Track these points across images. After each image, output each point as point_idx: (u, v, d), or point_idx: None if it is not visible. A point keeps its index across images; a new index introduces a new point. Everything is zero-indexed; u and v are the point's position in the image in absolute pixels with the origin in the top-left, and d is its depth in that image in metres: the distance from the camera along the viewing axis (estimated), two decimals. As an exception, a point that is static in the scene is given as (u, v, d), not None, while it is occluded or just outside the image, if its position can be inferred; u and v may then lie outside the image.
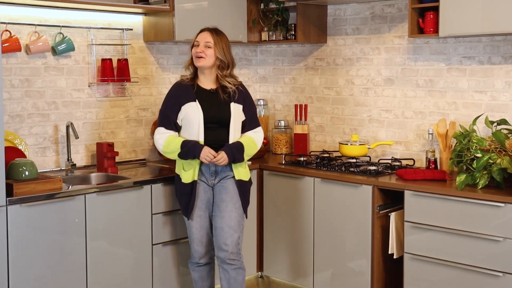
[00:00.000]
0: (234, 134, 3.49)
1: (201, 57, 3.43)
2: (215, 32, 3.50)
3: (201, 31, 3.52)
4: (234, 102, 3.50)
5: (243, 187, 3.52)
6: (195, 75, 3.54)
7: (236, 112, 3.51)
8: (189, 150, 3.39)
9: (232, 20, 4.36)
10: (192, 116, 3.43)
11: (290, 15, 4.53)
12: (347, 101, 4.47)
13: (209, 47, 3.45)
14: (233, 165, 3.48)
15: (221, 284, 3.54)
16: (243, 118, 3.55)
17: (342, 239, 3.84)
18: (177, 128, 3.49)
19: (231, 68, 3.53)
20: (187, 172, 3.46)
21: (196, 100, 3.45)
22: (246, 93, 3.60)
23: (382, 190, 3.69)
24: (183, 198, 3.49)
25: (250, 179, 3.59)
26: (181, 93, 3.49)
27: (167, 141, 3.42)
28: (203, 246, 3.56)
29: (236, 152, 3.44)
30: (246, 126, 3.57)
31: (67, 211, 3.34)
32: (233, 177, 3.49)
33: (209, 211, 3.53)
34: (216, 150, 3.42)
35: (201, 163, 3.45)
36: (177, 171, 3.54)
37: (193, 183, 3.45)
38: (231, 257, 3.47)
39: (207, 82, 3.53)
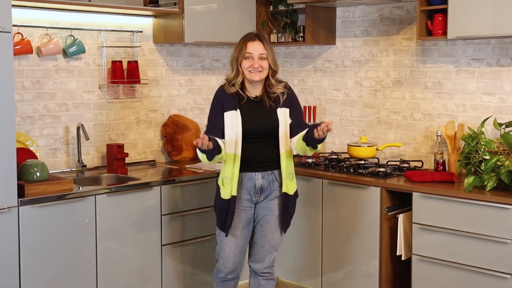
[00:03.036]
0: (286, 141, 3.20)
1: (259, 71, 3.16)
2: (265, 40, 3.21)
3: (249, 39, 3.19)
4: (281, 107, 3.21)
5: (286, 200, 3.24)
6: (242, 85, 3.23)
7: (284, 117, 3.21)
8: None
9: (241, 22, 4.38)
10: (230, 126, 3.16)
11: (299, 17, 4.54)
12: (355, 103, 4.48)
13: (263, 59, 3.16)
14: (283, 178, 3.21)
15: None
16: (290, 121, 3.23)
17: (350, 241, 3.85)
18: (224, 136, 3.18)
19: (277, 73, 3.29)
20: (226, 188, 3.18)
21: (238, 109, 3.17)
22: (292, 95, 3.29)
23: (390, 191, 3.69)
24: (222, 213, 3.22)
25: (296, 192, 3.31)
26: (224, 99, 3.20)
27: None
28: (233, 265, 3.31)
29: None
30: (294, 131, 3.21)
31: (77, 211, 3.37)
32: (278, 193, 3.24)
33: (247, 230, 3.29)
34: (259, 167, 3.19)
35: (240, 178, 3.18)
36: (218, 182, 3.28)
37: (232, 199, 3.18)
38: (265, 270, 3.35)
39: (254, 90, 3.24)
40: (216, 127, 3.18)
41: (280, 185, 3.24)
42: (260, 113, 3.21)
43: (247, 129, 3.16)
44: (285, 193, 3.24)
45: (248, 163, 3.19)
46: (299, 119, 3.26)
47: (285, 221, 3.30)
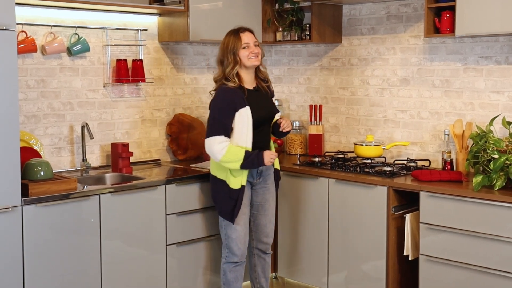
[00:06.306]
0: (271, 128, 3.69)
1: (257, 56, 3.49)
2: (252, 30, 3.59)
3: (241, 32, 3.49)
4: (272, 96, 3.69)
5: (277, 175, 3.74)
6: (238, 79, 3.51)
7: None
8: (253, 160, 3.40)
9: (246, 20, 4.34)
10: (244, 121, 3.42)
11: (305, 15, 4.52)
12: (362, 102, 4.44)
13: (257, 45, 3.51)
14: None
15: (256, 270, 3.78)
16: None
17: (357, 240, 3.82)
18: (229, 134, 3.46)
19: None
20: (237, 178, 3.47)
21: (247, 105, 3.43)
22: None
23: (397, 191, 3.66)
24: (229, 203, 3.50)
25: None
26: (233, 98, 3.43)
27: (228, 151, 3.37)
28: (244, 244, 3.60)
29: None
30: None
31: (82, 211, 3.36)
32: (273, 171, 3.67)
33: (248, 209, 3.61)
34: (262, 149, 3.51)
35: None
36: (219, 176, 3.51)
37: (241, 189, 3.49)
38: (269, 247, 3.76)
39: (249, 82, 3.55)
40: (225, 127, 3.40)
41: (272, 164, 3.64)
42: (263, 103, 3.56)
43: (256, 120, 3.46)
44: (276, 169, 3.73)
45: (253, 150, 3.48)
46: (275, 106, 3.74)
47: (276, 194, 3.76)
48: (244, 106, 3.42)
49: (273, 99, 3.72)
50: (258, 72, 3.59)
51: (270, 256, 3.83)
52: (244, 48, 3.45)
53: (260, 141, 3.51)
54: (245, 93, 3.47)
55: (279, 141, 4.66)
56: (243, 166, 3.40)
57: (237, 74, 3.48)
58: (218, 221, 3.93)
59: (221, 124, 3.40)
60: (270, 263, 3.86)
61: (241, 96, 3.44)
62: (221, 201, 3.53)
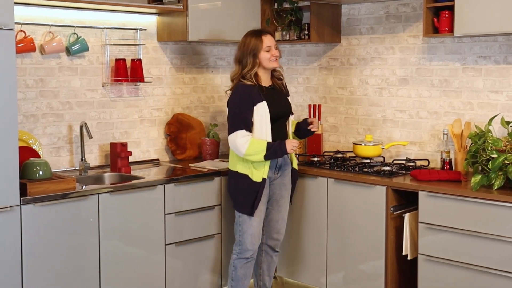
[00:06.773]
0: (289, 125, 3.75)
1: (277, 59, 3.60)
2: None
3: (263, 34, 3.58)
4: (287, 95, 3.77)
5: (295, 174, 3.78)
6: (255, 78, 3.59)
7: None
8: (276, 149, 3.48)
9: (245, 20, 4.35)
10: (262, 116, 3.50)
11: (304, 15, 4.51)
12: (361, 101, 4.44)
13: (277, 48, 3.62)
14: (291, 155, 3.72)
15: (261, 266, 3.85)
16: None
17: (355, 240, 3.82)
18: (250, 128, 3.53)
19: None
20: (259, 171, 3.54)
21: (264, 100, 3.52)
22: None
23: (396, 190, 3.66)
24: (250, 196, 3.56)
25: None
26: (251, 94, 3.52)
27: (250, 144, 3.45)
28: (259, 240, 3.66)
29: None
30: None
31: (80, 211, 3.35)
32: (290, 168, 3.72)
33: (265, 206, 3.67)
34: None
35: (270, 160, 3.57)
36: (241, 170, 3.56)
37: (263, 181, 3.55)
38: (279, 245, 3.83)
39: (265, 80, 3.64)
40: (246, 120, 3.48)
41: (291, 162, 3.73)
42: (280, 100, 3.66)
43: (274, 116, 3.54)
44: (294, 168, 3.76)
45: None
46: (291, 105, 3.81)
47: (292, 193, 3.81)
48: (261, 101, 3.49)
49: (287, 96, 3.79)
50: (273, 71, 3.68)
51: (277, 256, 3.88)
52: (266, 51, 3.54)
53: (277, 137, 3.58)
54: (263, 90, 3.56)
55: None
56: (267, 157, 3.46)
57: (255, 74, 3.57)
58: (217, 221, 3.94)
59: (241, 118, 3.48)
60: (276, 263, 3.91)
61: (258, 91, 3.52)
62: (241, 196, 3.58)
